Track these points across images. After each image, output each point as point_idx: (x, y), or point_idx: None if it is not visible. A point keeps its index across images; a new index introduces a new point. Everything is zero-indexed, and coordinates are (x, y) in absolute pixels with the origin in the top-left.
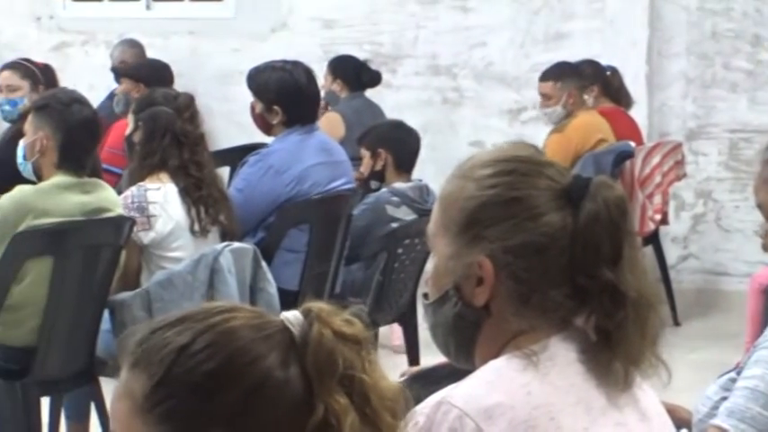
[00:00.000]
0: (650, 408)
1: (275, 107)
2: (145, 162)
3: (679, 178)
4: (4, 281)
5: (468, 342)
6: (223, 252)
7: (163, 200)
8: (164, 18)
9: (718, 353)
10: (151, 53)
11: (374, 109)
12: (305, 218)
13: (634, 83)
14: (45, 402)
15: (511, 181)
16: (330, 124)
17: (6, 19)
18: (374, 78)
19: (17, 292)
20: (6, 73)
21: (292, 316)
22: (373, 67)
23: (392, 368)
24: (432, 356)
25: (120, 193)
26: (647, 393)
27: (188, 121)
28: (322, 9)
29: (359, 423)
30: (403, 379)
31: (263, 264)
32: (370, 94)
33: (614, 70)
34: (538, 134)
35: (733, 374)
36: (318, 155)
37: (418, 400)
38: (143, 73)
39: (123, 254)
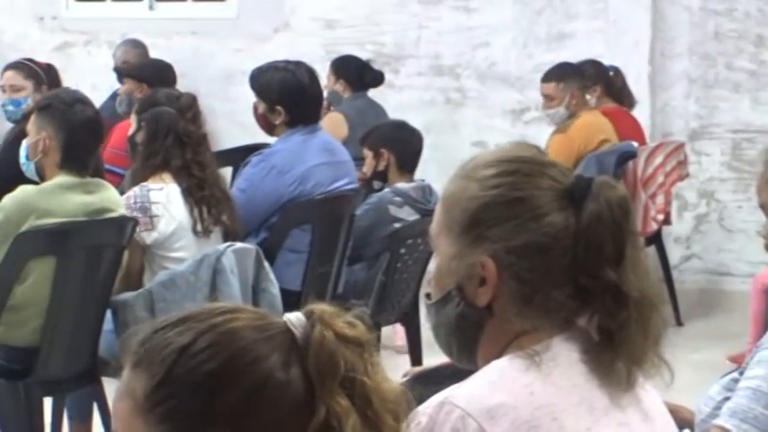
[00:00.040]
0: (653, 408)
1: (278, 107)
2: (147, 162)
3: (682, 178)
4: (7, 281)
5: (471, 342)
6: (226, 252)
7: (165, 200)
8: (166, 18)
9: (721, 353)
10: (154, 53)
11: (377, 109)
12: (307, 218)
13: (637, 83)
14: (48, 402)
15: (513, 181)
16: (333, 124)
17: (9, 19)
18: (377, 78)
19: (20, 292)
20: (10, 73)
21: (295, 317)
22: (376, 67)
23: (395, 368)
24: (434, 357)
25: (122, 193)
26: (650, 393)
27: (191, 122)
28: (324, 9)
29: (360, 425)
30: (405, 379)
31: (266, 264)
32: (372, 94)
33: (617, 70)
34: (541, 134)
35: (735, 374)
36: (321, 155)
37: (421, 401)
38: (146, 73)
39: (126, 254)
